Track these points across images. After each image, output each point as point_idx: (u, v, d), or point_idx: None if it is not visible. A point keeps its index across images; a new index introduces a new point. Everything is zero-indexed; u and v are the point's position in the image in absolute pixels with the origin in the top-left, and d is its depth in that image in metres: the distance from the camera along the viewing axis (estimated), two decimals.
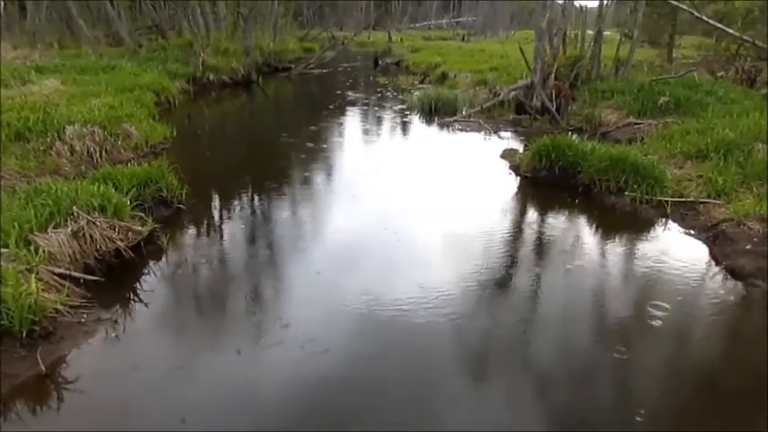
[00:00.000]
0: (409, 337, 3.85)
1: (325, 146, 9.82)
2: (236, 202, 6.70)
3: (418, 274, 4.72)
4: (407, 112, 12.66)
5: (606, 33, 15.70)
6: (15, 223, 4.27)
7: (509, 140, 10.00)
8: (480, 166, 8.38)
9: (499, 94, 11.91)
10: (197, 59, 15.64)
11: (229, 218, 6.21)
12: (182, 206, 6.06)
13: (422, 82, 17.80)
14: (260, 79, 17.17)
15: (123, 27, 18.96)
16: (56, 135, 6.96)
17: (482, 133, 10.47)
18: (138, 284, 4.49)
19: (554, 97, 11.24)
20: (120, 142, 7.74)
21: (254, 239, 5.67)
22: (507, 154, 8.67)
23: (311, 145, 9.64)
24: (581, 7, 19.92)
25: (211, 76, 15.83)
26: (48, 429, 3.03)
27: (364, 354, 3.69)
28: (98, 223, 4.63)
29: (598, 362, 3.76)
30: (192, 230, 5.74)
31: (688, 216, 6.01)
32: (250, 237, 5.68)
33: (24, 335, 3.50)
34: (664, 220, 6.08)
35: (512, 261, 5.16)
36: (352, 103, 14.42)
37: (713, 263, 5.07)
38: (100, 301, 4.09)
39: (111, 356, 3.60)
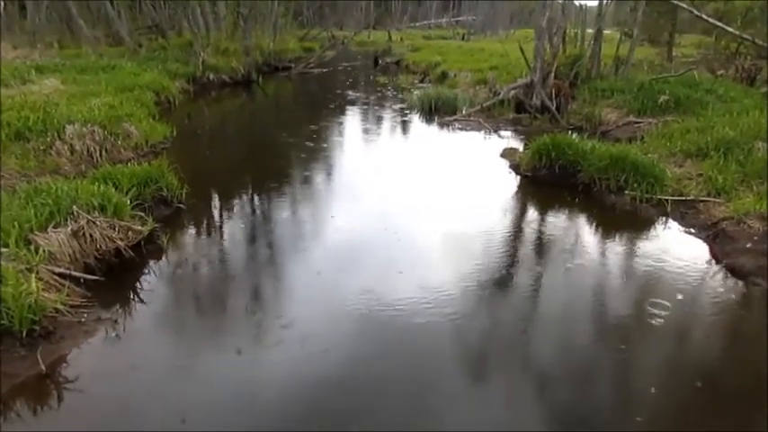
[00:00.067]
0: (409, 337, 3.85)
1: (325, 145, 9.82)
2: (236, 202, 6.70)
3: (418, 273, 4.72)
4: (407, 112, 12.66)
5: (606, 32, 15.70)
6: (15, 223, 4.27)
7: (509, 139, 9.99)
8: (480, 165, 8.38)
9: (499, 93, 11.90)
10: (197, 59, 15.64)
11: (229, 217, 6.21)
12: (182, 206, 6.07)
13: (422, 81, 17.78)
14: (260, 79, 17.17)
15: (123, 27, 18.96)
16: (56, 134, 6.97)
17: (482, 132, 10.46)
18: (138, 284, 4.49)
19: (554, 96, 11.24)
20: (120, 142, 7.74)
21: (255, 239, 5.67)
22: (507, 153, 8.67)
23: (311, 144, 9.64)
24: (581, 6, 19.94)
25: (211, 76, 15.84)
26: (48, 429, 3.03)
27: (364, 354, 3.68)
28: (98, 223, 4.64)
29: (598, 361, 3.77)
30: (192, 230, 5.74)
31: (688, 215, 6.01)
32: (250, 236, 5.68)
33: (24, 334, 3.50)
34: (664, 218, 6.08)
35: (512, 260, 5.16)
36: (352, 103, 14.41)
37: (713, 261, 5.07)
38: (100, 300, 4.10)
39: (111, 356, 3.60)
